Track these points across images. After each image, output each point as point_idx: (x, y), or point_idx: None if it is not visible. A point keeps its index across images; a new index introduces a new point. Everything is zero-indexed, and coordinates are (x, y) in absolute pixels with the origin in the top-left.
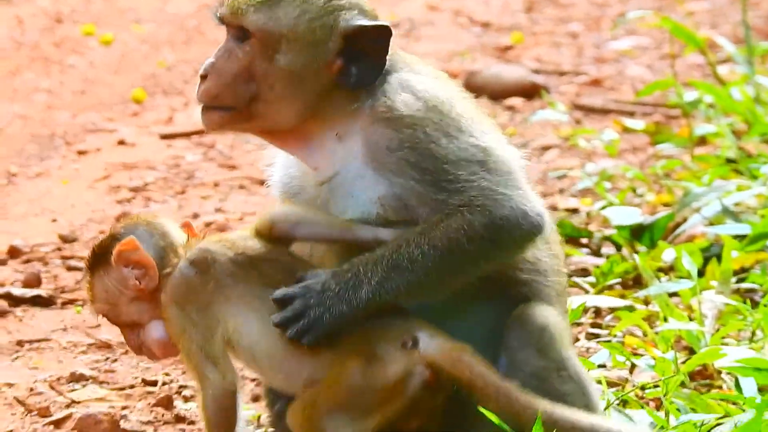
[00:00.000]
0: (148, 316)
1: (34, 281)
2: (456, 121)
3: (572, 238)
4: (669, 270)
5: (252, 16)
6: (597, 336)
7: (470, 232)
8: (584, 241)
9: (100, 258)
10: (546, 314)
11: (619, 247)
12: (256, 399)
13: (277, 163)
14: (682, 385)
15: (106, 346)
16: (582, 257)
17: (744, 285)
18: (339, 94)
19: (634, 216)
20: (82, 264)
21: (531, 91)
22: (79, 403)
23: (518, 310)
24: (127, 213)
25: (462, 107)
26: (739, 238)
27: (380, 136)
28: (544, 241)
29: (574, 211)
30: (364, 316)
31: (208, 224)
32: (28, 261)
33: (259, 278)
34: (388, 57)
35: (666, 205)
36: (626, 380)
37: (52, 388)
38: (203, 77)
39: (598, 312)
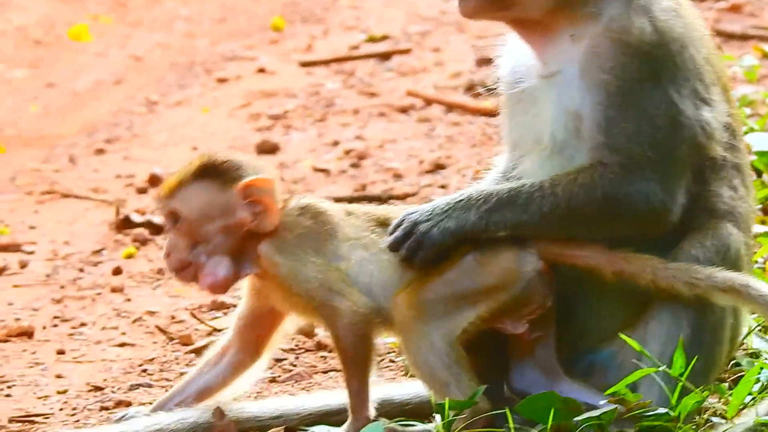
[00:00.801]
0: (227, 249)
1: None
2: (674, 70)
3: None
4: None
5: None
6: None
7: (591, 195)
8: None
9: (218, 172)
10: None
11: (759, 173)
12: None
13: (505, 56)
14: None
15: None
16: None
17: None
18: None
19: None
20: None
21: None
22: (220, 330)
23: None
24: (267, 141)
25: (690, 54)
26: None
27: (602, 53)
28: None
29: None
30: (472, 238)
31: (347, 152)
32: None
33: (364, 223)
34: None
35: None
36: None
37: (194, 316)
38: None
39: None
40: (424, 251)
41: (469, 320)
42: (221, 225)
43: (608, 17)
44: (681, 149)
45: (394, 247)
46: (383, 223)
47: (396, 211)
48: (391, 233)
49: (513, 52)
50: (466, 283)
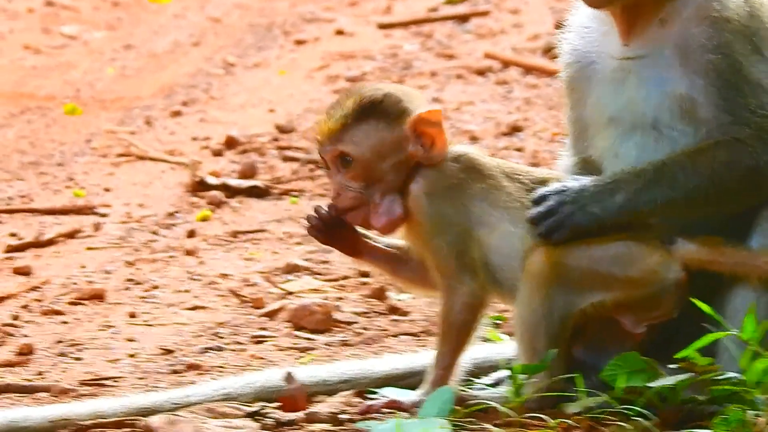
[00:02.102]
0: (398, 186)
1: (250, 172)
2: None
3: None
4: None
5: None
6: None
7: (735, 169)
8: None
9: (382, 109)
10: None
11: None
12: None
13: (573, 31)
14: None
15: None
16: None
17: None
18: None
19: None
20: (298, 154)
21: None
22: (292, 294)
23: None
24: None
25: None
26: None
27: (699, 33)
28: None
29: None
30: (615, 225)
31: None
32: (244, 151)
33: (518, 191)
34: None
35: None
36: None
37: (267, 279)
38: None
39: None
40: (562, 232)
41: (595, 302)
42: (394, 162)
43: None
44: None
45: (533, 221)
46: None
47: (554, 176)
48: (534, 205)
49: (582, 30)
50: (609, 266)
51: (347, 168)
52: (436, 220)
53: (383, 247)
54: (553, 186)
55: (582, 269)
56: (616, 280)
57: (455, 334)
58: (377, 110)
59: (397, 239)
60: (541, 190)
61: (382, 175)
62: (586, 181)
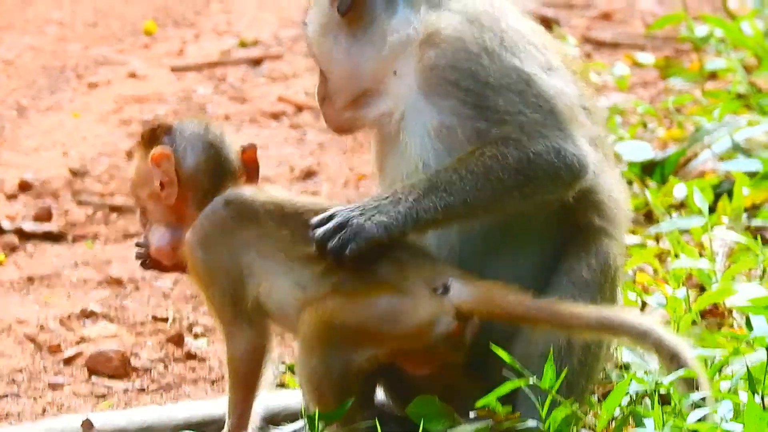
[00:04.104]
0: (160, 218)
1: (44, 216)
2: (499, 37)
3: None
4: (680, 206)
5: None
6: None
7: (503, 162)
8: None
9: (148, 139)
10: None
11: (630, 183)
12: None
13: None
14: (693, 323)
15: (117, 282)
16: None
17: (755, 222)
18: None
19: (645, 151)
20: (93, 198)
21: (542, 25)
22: (89, 339)
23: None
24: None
25: (511, 23)
26: (750, 174)
27: (427, 58)
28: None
29: None
30: (402, 234)
31: None
32: (38, 195)
33: (292, 236)
34: None
35: (677, 140)
36: None
37: (63, 324)
38: None
39: None
40: (356, 243)
41: (369, 357)
42: (149, 192)
43: (416, 35)
44: (558, 105)
45: (322, 241)
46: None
47: (319, 204)
48: (319, 225)
49: None
50: (378, 324)
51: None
52: (209, 269)
53: None
54: (334, 207)
55: (352, 328)
56: (387, 336)
57: (241, 380)
58: (147, 142)
59: None
60: (328, 210)
61: (143, 203)
62: (363, 200)
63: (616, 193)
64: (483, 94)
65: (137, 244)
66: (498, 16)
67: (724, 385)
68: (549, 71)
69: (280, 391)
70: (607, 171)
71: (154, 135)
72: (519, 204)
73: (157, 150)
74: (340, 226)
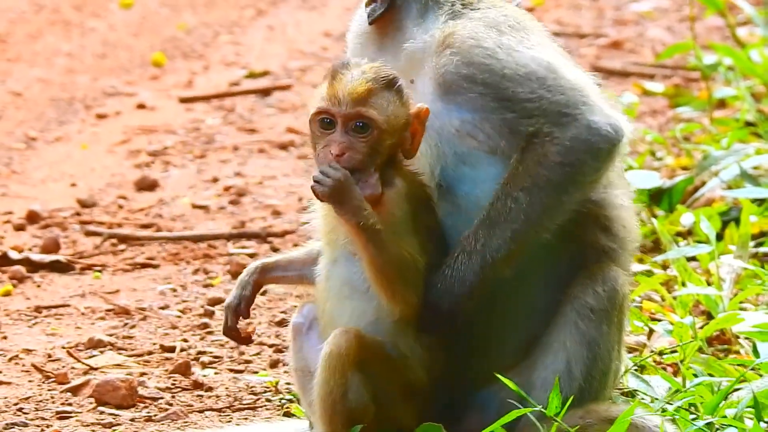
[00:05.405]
0: (378, 166)
1: (52, 246)
2: (517, 38)
3: None
4: (687, 234)
5: None
6: None
7: (545, 162)
8: None
9: (399, 88)
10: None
11: (637, 212)
12: (273, 365)
13: None
14: (700, 350)
15: (125, 312)
16: None
17: (762, 249)
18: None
19: (653, 180)
20: (101, 229)
21: None
22: (96, 369)
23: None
24: (146, 177)
25: (521, 21)
26: (758, 201)
27: (442, 63)
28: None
29: None
30: (491, 283)
31: (227, 188)
32: (46, 226)
33: None
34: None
35: (685, 168)
36: (644, 345)
37: (70, 354)
38: None
39: None
40: (458, 314)
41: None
42: (395, 140)
43: (430, 43)
44: (579, 82)
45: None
46: None
47: None
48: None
49: None
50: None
51: (360, 132)
52: (400, 228)
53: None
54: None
55: (389, 370)
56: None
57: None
58: (397, 86)
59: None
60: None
61: (384, 149)
62: (444, 266)
63: (625, 212)
64: (501, 85)
65: (315, 179)
66: (514, 24)
67: (730, 412)
68: (567, 62)
69: (287, 420)
70: (618, 187)
71: (393, 80)
72: (576, 195)
73: (423, 105)
74: (436, 308)
